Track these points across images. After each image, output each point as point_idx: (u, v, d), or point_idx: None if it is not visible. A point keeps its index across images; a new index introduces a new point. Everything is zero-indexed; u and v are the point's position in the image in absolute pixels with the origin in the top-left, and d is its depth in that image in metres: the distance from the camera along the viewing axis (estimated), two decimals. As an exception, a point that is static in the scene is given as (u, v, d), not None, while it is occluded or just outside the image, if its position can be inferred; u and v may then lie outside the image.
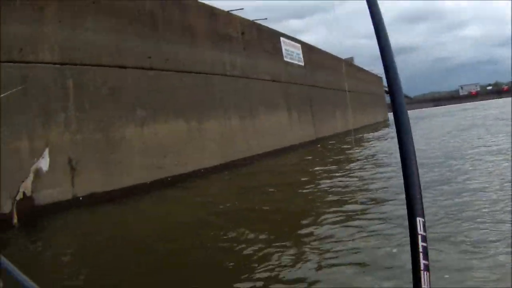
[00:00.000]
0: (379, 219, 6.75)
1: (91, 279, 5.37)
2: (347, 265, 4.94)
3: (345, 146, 21.90)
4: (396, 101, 1.08)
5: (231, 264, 5.52)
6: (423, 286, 0.94)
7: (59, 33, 10.47)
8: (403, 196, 1.00)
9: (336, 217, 7.16)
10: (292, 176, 12.79)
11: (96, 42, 11.34)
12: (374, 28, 1.16)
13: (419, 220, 0.99)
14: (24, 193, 9.18)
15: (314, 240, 6.03)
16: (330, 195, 9.20)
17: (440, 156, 12.82)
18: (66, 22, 10.65)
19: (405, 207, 0.99)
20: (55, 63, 10.32)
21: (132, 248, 6.62)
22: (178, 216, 9.01)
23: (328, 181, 10.85)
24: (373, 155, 16.44)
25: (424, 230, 0.98)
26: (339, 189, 9.75)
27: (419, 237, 0.97)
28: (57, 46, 10.40)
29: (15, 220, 8.89)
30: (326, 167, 13.58)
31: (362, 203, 8.04)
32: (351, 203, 8.15)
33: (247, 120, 17.49)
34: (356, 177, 11.16)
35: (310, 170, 13.54)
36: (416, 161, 1.03)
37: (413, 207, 1.00)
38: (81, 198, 10.21)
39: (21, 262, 5.59)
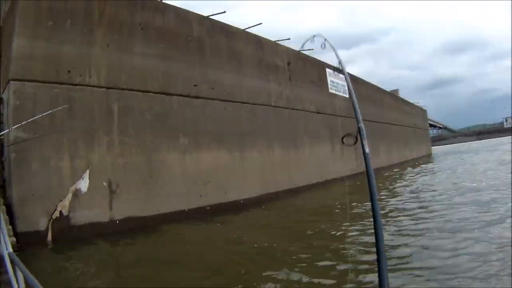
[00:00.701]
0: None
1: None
2: None
3: (387, 182, 21.10)
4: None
5: None
6: None
7: (107, 56, 10.56)
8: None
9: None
10: (336, 217, 11.84)
11: (143, 67, 11.37)
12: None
13: None
14: (61, 212, 9.15)
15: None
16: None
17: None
18: (114, 46, 10.75)
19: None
20: (101, 87, 10.38)
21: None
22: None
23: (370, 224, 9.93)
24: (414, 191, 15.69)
25: None
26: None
27: None
28: (104, 69, 10.47)
29: (49, 238, 8.86)
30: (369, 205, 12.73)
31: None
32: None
33: (290, 151, 17.10)
34: (404, 220, 10.49)
35: (355, 211, 12.58)
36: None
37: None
38: (117, 222, 10.06)
39: (46, 278, 5.43)
